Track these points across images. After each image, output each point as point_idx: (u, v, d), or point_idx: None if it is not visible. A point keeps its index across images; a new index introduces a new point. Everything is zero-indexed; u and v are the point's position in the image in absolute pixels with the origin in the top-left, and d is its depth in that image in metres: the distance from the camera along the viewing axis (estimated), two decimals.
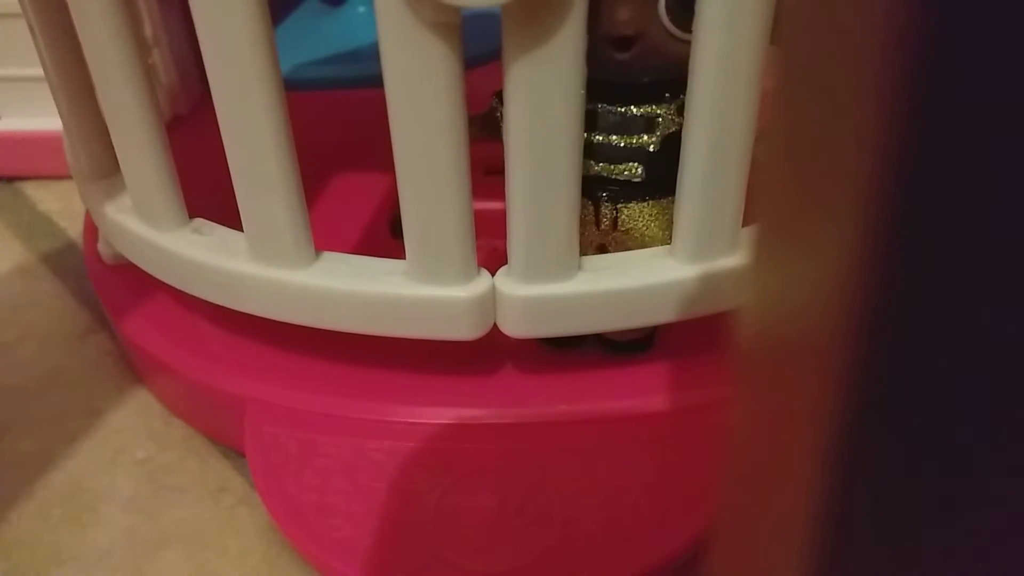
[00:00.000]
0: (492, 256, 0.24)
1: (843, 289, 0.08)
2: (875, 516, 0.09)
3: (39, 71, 0.27)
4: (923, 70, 0.07)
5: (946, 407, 0.09)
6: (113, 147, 0.25)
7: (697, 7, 0.19)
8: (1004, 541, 0.10)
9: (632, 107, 0.22)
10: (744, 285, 0.11)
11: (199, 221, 0.25)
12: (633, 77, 0.22)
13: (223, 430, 0.27)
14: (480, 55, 0.25)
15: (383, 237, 0.30)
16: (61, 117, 0.27)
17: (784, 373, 0.10)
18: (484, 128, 0.23)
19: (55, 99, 0.27)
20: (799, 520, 0.10)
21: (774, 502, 0.11)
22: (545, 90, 0.19)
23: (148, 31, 0.32)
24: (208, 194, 0.27)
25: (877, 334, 0.08)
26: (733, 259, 0.23)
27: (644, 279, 0.23)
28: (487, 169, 0.31)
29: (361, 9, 0.38)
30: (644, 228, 0.23)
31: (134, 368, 0.30)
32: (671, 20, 0.21)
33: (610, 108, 0.22)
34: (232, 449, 0.28)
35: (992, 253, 0.08)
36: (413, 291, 0.22)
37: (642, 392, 0.25)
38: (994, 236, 0.08)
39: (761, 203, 0.10)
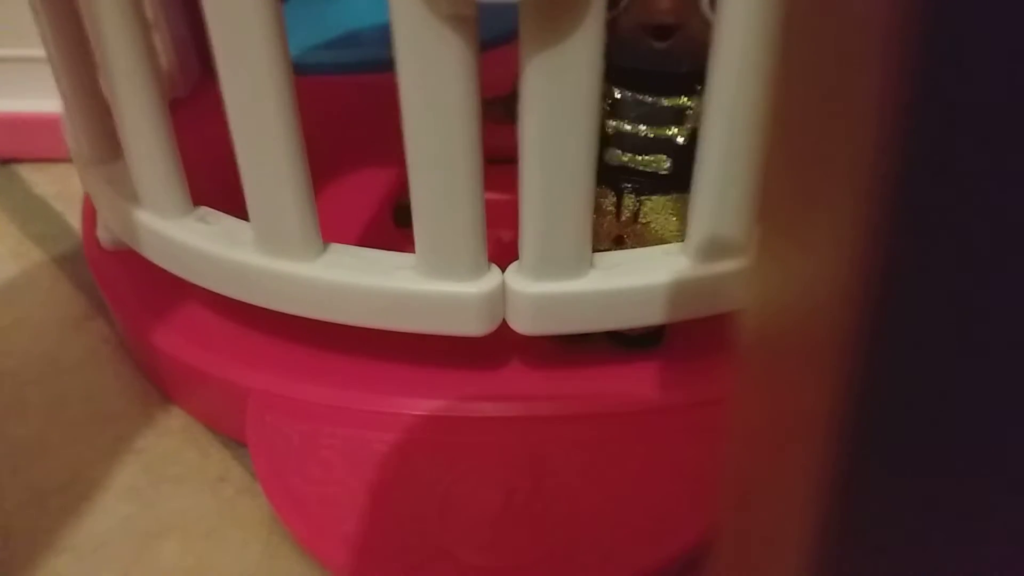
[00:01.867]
0: (497, 247, 0.23)
1: (844, 287, 0.08)
2: (876, 515, 0.09)
3: (35, 51, 0.26)
4: (923, 67, 0.07)
5: (947, 405, 0.08)
6: (115, 131, 0.25)
7: (716, 10, 0.19)
8: (1006, 541, 0.10)
9: (662, 98, 0.22)
10: (749, 284, 0.11)
11: (204, 210, 0.25)
12: (669, 67, 0.22)
13: (223, 420, 0.27)
14: (497, 36, 0.24)
15: (386, 224, 0.30)
16: (63, 100, 0.27)
17: (786, 371, 0.10)
18: (508, 110, 0.22)
19: (57, 82, 0.26)
20: (801, 519, 0.10)
21: (776, 500, 0.11)
22: (562, 88, 0.19)
23: (147, 15, 0.32)
24: (206, 179, 0.26)
25: (878, 332, 0.08)
26: (745, 258, 0.22)
27: (656, 277, 0.22)
28: (489, 158, 0.31)
29: None
30: (664, 222, 0.23)
31: (132, 356, 0.30)
32: (713, 10, 0.21)
33: (639, 97, 0.22)
34: (232, 439, 0.28)
35: (993, 249, 0.08)
36: (422, 286, 0.22)
37: (649, 389, 0.25)
38: (995, 233, 0.07)
39: (763, 202, 0.10)
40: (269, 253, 0.23)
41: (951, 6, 0.07)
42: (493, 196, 0.27)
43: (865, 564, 0.10)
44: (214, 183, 0.27)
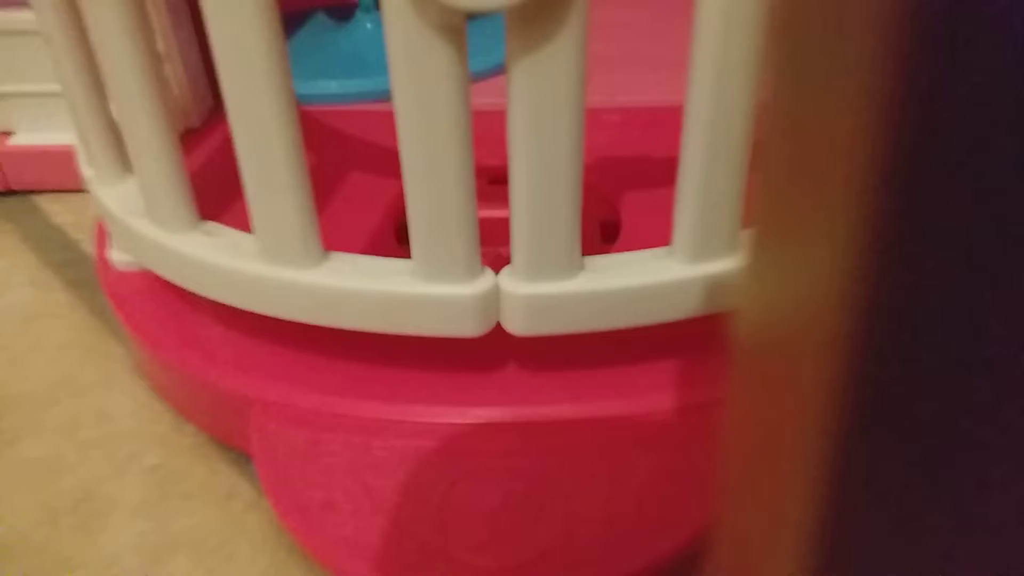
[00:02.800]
0: (496, 262, 0.24)
1: (839, 290, 0.08)
2: (873, 515, 0.09)
3: (51, 87, 0.27)
4: (918, 72, 0.07)
5: (943, 407, 0.09)
6: (125, 151, 0.25)
7: (694, 8, 0.20)
8: (1004, 542, 0.10)
9: None
10: (742, 286, 0.11)
11: (209, 224, 0.25)
12: None
13: (231, 432, 0.28)
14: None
15: (389, 244, 0.30)
16: (74, 120, 0.28)
17: (781, 373, 0.10)
18: None
19: (68, 101, 0.27)
20: (797, 518, 0.10)
21: (772, 500, 0.11)
22: (548, 90, 0.20)
23: (160, 46, 0.33)
24: (219, 204, 0.27)
25: (872, 334, 0.08)
26: (732, 260, 0.23)
27: (645, 278, 0.23)
28: (491, 179, 0.32)
29: (368, 25, 0.39)
30: None
31: (144, 375, 0.31)
32: None
33: None
34: (241, 452, 0.28)
35: (988, 253, 0.08)
36: (419, 289, 0.23)
37: (644, 391, 0.25)
38: (992, 235, 0.08)
39: (758, 204, 0.10)
40: (272, 262, 0.23)
41: (946, 10, 0.07)
42: (494, 214, 0.27)
43: (862, 563, 0.10)
44: (231, 211, 0.27)
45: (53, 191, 0.39)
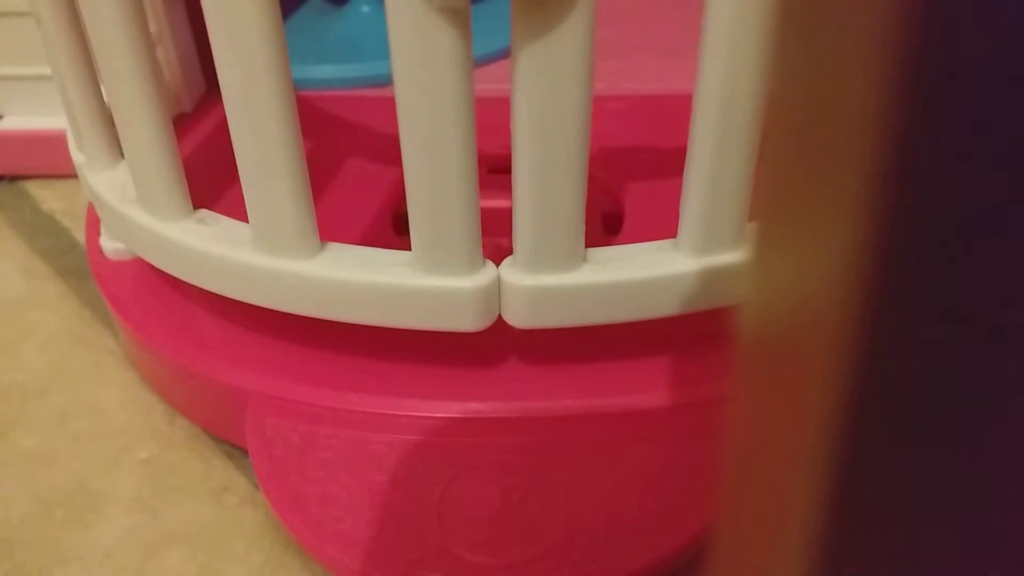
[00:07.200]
0: (496, 253, 0.23)
1: (846, 284, 0.08)
2: (876, 515, 0.09)
3: (42, 70, 0.27)
4: (928, 61, 0.07)
5: (949, 404, 0.08)
6: (117, 136, 0.25)
7: (704, 3, 0.19)
8: (1007, 542, 0.10)
9: None
10: (747, 280, 0.11)
11: (203, 212, 0.25)
12: None
13: (226, 425, 0.27)
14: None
15: (386, 235, 0.30)
16: (65, 106, 0.27)
17: (786, 369, 0.10)
18: None
19: (59, 86, 0.27)
20: (800, 517, 0.10)
21: (775, 499, 0.10)
22: (554, 76, 0.19)
23: (152, 28, 0.32)
24: (213, 192, 0.27)
25: (880, 329, 0.08)
26: (738, 253, 0.22)
27: (649, 271, 0.22)
28: (491, 167, 0.31)
29: (365, 8, 0.38)
30: None
31: (136, 362, 0.30)
32: None
33: None
34: (235, 445, 0.28)
35: (996, 247, 0.07)
36: (418, 281, 0.22)
37: (646, 387, 0.25)
38: (998, 230, 0.07)
39: (764, 197, 0.10)
40: (268, 252, 0.23)
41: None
42: (494, 203, 0.27)
43: (864, 562, 0.10)
44: (222, 196, 0.27)
45: (43, 177, 0.39)
